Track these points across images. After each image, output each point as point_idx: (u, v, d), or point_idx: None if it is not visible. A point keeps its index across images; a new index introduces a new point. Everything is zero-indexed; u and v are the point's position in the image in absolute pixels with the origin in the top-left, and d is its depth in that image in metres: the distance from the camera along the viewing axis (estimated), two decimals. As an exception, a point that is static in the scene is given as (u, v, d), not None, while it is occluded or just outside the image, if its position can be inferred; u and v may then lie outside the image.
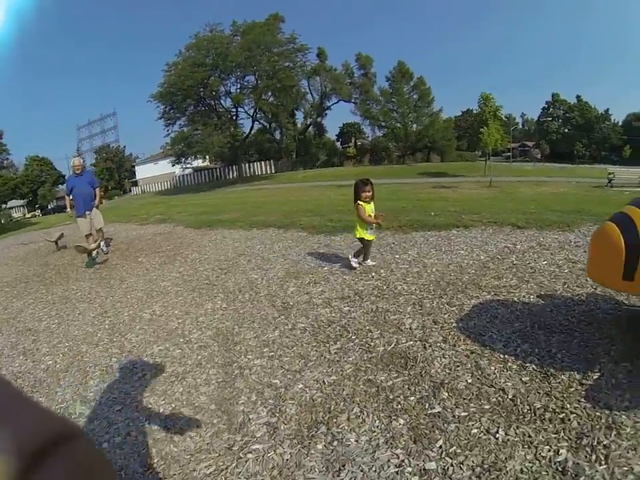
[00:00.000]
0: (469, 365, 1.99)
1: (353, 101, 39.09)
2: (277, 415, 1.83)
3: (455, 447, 1.48)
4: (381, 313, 2.74)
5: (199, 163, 33.90)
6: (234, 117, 33.04)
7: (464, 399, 1.75)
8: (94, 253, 5.47)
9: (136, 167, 47.31)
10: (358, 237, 3.66)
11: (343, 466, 1.48)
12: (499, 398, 1.73)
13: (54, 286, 4.71)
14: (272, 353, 2.39)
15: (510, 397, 1.72)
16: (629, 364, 1.82)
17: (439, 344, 2.24)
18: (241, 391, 2.05)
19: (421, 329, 2.45)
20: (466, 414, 1.65)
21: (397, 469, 1.43)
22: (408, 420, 1.67)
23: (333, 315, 2.81)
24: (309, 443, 1.62)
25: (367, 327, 2.54)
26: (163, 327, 3.02)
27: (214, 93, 30.92)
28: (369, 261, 3.85)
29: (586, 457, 1.36)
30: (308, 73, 35.94)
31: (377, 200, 3.80)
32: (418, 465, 1.43)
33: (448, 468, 1.40)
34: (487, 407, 1.68)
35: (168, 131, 31.36)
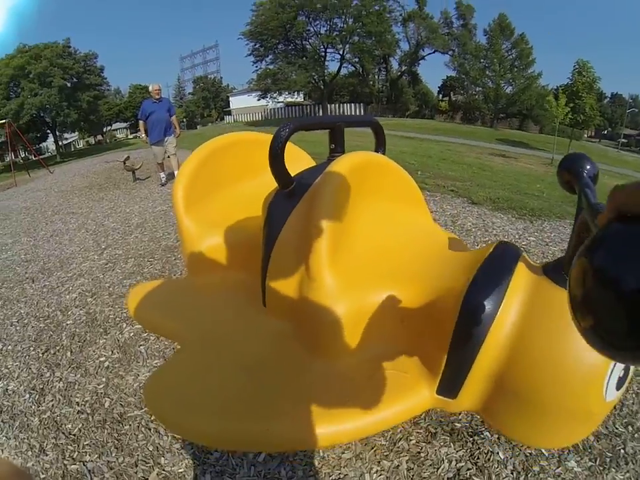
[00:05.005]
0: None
1: (449, 53, 36.90)
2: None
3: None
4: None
5: (289, 98, 35.16)
6: (322, 58, 33.16)
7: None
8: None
9: (230, 98, 49.94)
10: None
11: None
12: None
13: (101, 192, 6.64)
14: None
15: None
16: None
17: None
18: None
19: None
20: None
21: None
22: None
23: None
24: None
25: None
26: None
27: (301, 33, 31.22)
28: None
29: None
30: (400, 20, 34.40)
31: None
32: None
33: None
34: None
35: (256, 67, 32.77)
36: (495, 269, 0.83)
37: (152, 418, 1.57)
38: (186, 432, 0.90)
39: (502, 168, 11.74)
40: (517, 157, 16.68)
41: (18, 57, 22.61)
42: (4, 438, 1.62)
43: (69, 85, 23.87)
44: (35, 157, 24.12)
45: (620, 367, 0.75)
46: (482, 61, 35.58)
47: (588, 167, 0.83)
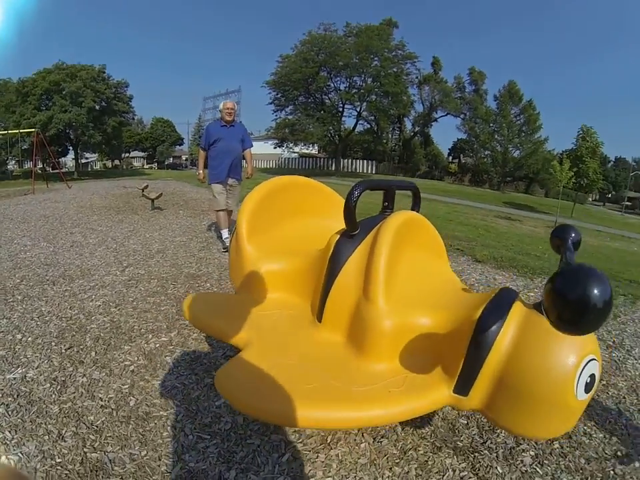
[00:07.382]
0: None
1: (460, 116, 38.62)
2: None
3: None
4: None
5: (305, 149, 36.58)
6: (339, 113, 34.46)
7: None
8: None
9: (248, 143, 51.54)
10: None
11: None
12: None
13: (119, 214, 6.92)
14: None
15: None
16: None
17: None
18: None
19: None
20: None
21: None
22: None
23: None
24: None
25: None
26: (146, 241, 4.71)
27: (322, 88, 32.71)
28: None
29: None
30: (416, 82, 36.24)
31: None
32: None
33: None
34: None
35: (276, 116, 34.20)
36: (499, 303, 1.17)
37: (178, 419, 1.67)
38: (253, 409, 1.15)
39: (506, 230, 12.01)
40: (521, 219, 17.06)
41: (55, 72, 23.95)
42: (19, 420, 1.68)
43: (97, 107, 25.00)
44: (52, 169, 24.77)
45: (585, 374, 1.03)
46: (491, 125, 37.34)
47: (573, 235, 1.22)
